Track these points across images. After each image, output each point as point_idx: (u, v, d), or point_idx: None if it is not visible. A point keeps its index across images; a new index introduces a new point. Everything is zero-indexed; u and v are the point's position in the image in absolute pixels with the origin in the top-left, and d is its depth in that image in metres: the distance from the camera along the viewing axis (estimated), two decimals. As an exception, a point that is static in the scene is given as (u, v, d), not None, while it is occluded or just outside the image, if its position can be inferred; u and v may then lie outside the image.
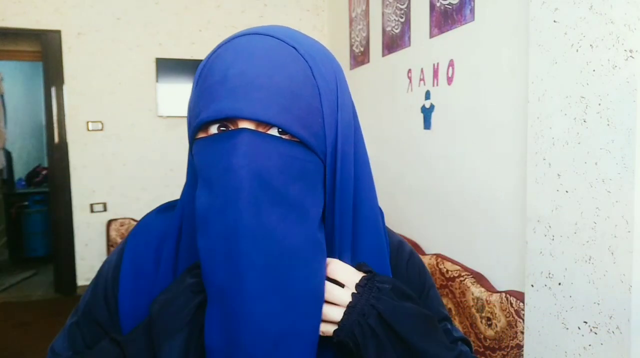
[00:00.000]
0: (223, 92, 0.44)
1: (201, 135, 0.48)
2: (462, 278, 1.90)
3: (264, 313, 0.42)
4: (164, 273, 0.53)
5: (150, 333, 0.47)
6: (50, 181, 3.38)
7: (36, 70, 5.01)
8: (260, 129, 0.45)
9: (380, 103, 2.73)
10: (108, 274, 0.58)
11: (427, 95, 2.24)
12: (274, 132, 0.46)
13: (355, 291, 0.48)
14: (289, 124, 0.45)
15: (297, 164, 0.46)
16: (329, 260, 0.49)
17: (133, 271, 0.56)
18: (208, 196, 0.44)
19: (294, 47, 0.48)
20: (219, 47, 0.49)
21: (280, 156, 0.45)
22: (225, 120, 0.45)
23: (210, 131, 0.47)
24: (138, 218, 2.74)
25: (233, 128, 0.46)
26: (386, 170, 2.68)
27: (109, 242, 3.27)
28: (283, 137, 0.46)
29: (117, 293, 0.56)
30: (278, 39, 0.48)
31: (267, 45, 0.47)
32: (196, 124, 0.46)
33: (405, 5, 2.40)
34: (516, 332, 1.58)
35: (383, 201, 2.85)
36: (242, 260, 0.42)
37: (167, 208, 0.60)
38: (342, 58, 3.27)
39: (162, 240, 0.55)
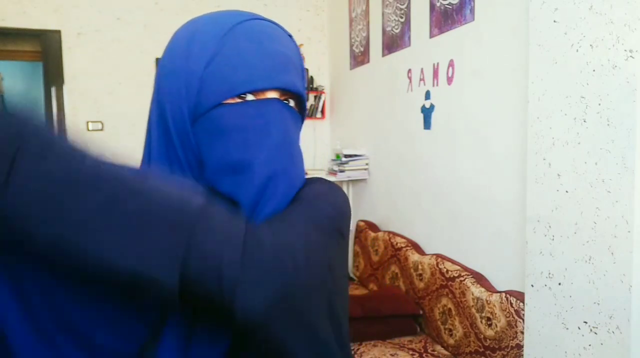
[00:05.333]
0: (267, 67, 0.53)
1: (230, 101, 0.53)
2: (462, 278, 1.90)
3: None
4: None
5: None
6: (50, 181, 3.38)
7: (36, 70, 5.01)
8: (281, 97, 0.55)
9: (380, 103, 2.73)
10: None
11: (427, 95, 2.24)
12: (283, 98, 0.56)
13: None
14: (305, 97, 0.58)
15: (298, 129, 0.59)
16: None
17: None
18: (244, 151, 0.53)
19: (289, 36, 0.59)
20: (236, 25, 0.54)
21: (294, 123, 0.57)
22: (266, 90, 0.54)
23: (237, 98, 0.53)
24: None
25: (258, 97, 0.54)
26: (386, 170, 2.68)
27: (109, 242, 3.25)
28: (291, 105, 0.57)
29: None
30: (277, 25, 0.58)
31: (276, 30, 0.57)
32: (239, 93, 0.53)
33: (405, 5, 2.40)
34: (516, 332, 1.58)
35: (383, 201, 2.83)
36: (282, 192, 0.53)
37: None
38: (342, 58, 3.27)
39: None
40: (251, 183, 0.52)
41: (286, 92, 0.55)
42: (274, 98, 0.54)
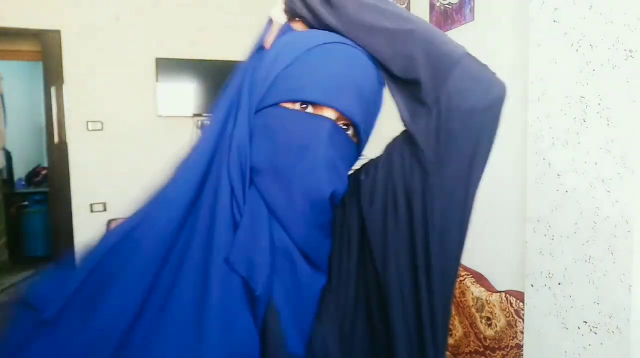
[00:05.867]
0: (329, 86, 0.56)
1: (290, 106, 0.57)
2: (462, 278, 1.90)
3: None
4: None
5: None
6: (50, 181, 3.39)
7: (36, 70, 5.01)
8: (338, 121, 0.57)
9: (380, 103, 2.72)
10: None
11: (427, 95, 2.24)
12: (340, 123, 0.58)
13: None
14: (364, 128, 0.59)
15: (349, 156, 0.61)
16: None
17: None
18: (286, 157, 0.56)
19: (368, 56, 0.59)
20: (316, 46, 0.58)
21: (343, 148, 0.58)
22: (324, 107, 0.56)
23: (295, 105, 0.57)
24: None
25: (316, 111, 0.57)
26: (386, 170, 2.68)
27: (109, 242, 3.25)
28: (348, 133, 0.59)
29: None
30: (365, 56, 0.59)
31: (358, 59, 0.59)
32: (298, 99, 0.57)
33: (405, 5, 2.40)
34: (516, 332, 1.58)
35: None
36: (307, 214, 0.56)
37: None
38: (342, 58, 3.27)
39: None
40: (284, 190, 0.55)
41: (345, 118, 0.57)
42: (329, 118, 0.56)
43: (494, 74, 0.57)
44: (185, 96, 3.32)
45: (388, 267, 0.57)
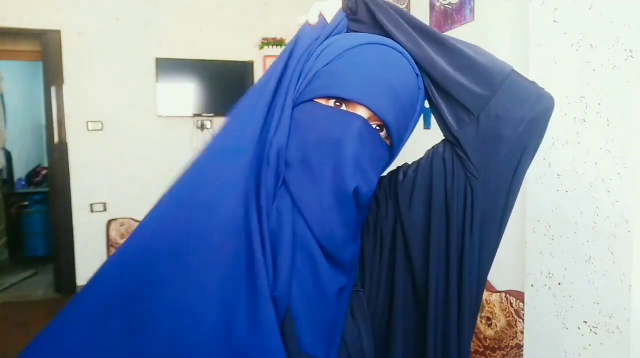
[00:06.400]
0: (363, 84, 0.56)
1: (323, 102, 0.58)
2: (462, 278, 1.90)
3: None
4: None
5: None
6: (50, 181, 3.39)
7: (36, 70, 5.01)
8: (371, 120, 0.57)
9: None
10: None
11: (427, 95, 2.24)
12: (373, 124, 0.58)
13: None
14: (396, 130, 0.59)
15: (381, 162, 0.61)
16: None
17: None
18: (314, 152, 0.56)
19: (417, 75, 0.60)
20: (355, 46, 0.59)
21: (373, 147, 0.58)
22: (357, 105, 0.57)
23: (330, 102, 0.58)
24: (138, 218, 2.74)
25: (349, 109, 0.57)
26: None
27: (109, 242, 3.27)
28: (381, 134, 0.59)
29: None
30: (406, 59, 0.60)
31: (397, 60, 0.59)
32: (331, 95, 0.57)
33: (405, 6, 2.40)
34: (516, 332, 1.58)
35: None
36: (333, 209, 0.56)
37: None
38: (342, 58, 3.27)
39: None
40: (311, 184, 0.55)
41: (378, 119, 0.57)
42: (361, 116, 0.56)
43: (542, 88, 0.59)
44: (185, 96, 3.32)
45: (428, 269, 0.59)
